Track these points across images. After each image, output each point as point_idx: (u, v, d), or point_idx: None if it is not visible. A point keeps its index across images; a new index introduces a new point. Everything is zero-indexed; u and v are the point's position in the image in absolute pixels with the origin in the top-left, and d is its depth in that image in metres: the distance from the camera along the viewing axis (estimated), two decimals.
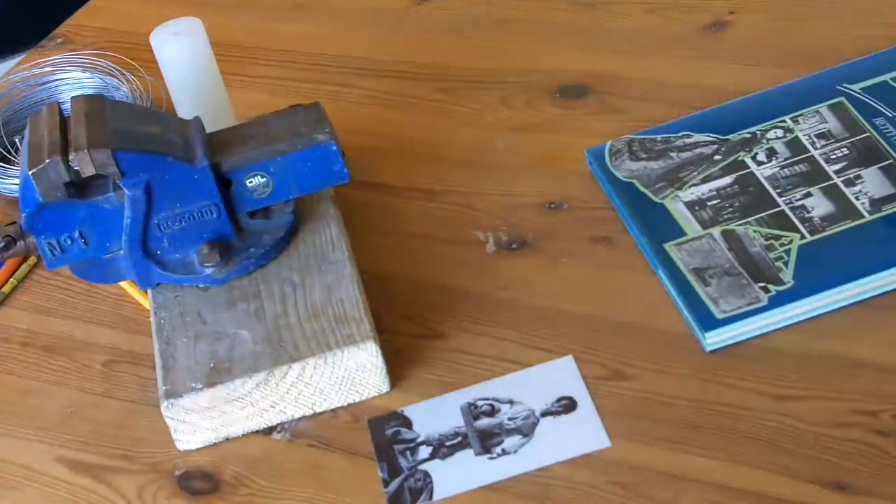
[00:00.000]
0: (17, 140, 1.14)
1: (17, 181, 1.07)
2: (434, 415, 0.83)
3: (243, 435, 0.85)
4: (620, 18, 1.16)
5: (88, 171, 0.83)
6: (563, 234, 0.95)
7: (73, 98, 0.88)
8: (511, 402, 0.83)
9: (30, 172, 0.82)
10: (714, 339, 0.83)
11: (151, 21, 1.03)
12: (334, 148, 0.89)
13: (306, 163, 0.88)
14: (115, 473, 0.85)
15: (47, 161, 0.82)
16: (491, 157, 1.04)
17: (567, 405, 0.82)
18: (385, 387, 0.85)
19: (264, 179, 0.88)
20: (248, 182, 0.88)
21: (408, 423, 0.83)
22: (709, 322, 0.83)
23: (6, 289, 1.00)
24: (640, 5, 1.16)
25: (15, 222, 0.87)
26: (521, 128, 1.06)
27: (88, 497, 0.83)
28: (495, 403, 0.83)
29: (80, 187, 0.85)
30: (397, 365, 0.87)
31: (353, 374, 0.84)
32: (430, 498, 0.79)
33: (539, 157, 1.02)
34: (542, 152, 1.03)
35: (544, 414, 0.82)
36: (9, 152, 1.13)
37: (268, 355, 0.83)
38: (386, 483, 0.80)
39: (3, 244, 0.87)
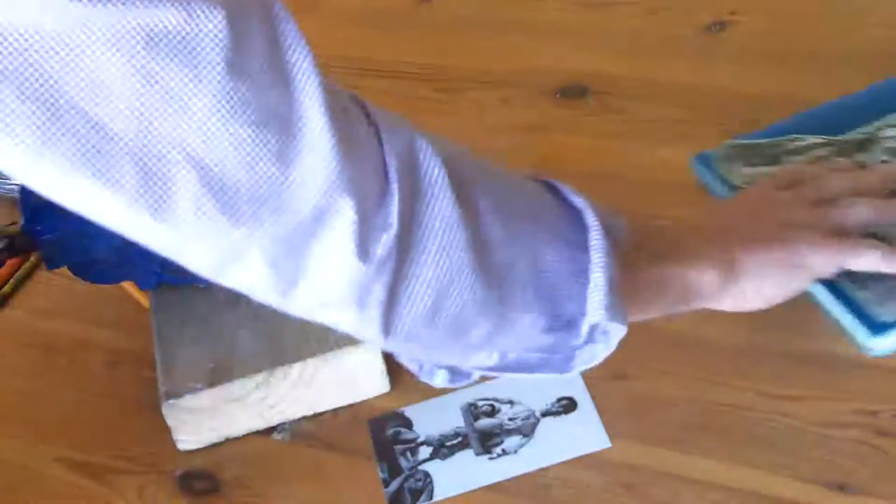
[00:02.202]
0: None
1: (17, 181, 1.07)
2: (434, 415, 0.83)
3: (243, 435, 0.85)
4: (620, 18, 1.15)
5: None
6: None
7: None
8: (511, 402, 0.83)
9: None
10: (883, 344, 0.76)
11: None
12: None
13: None
14: (115, 473, 0.84)
15: None
16: (491, 157, 1.03)
17: (567, 405, 0.82)
18: (385, 387, 0.85)
19: None
20: None
21: (408, 424, 0.83)
22: (876, 327, 0.75)
23: (6, 289, 1.00)
24: (640, 5, 1.16)
25: (15, 222, 0.87)
26: (521, 128, 1.06)
27: (88, 497, 0.83)
28: (495, 404, 0.83)
29: None
30: (397, 365, 0.86)
31: (353, 374, 0.83)
32: (431, 498, 0.78)
33: (539, 157, 1.02)
34: (542, 152, 1.02)
35: (544, 414, 0.82)
36: None
37: (268, 355, 0.83)
38: (386, 483, 0.80)
39: (3, 244, 0.86)
